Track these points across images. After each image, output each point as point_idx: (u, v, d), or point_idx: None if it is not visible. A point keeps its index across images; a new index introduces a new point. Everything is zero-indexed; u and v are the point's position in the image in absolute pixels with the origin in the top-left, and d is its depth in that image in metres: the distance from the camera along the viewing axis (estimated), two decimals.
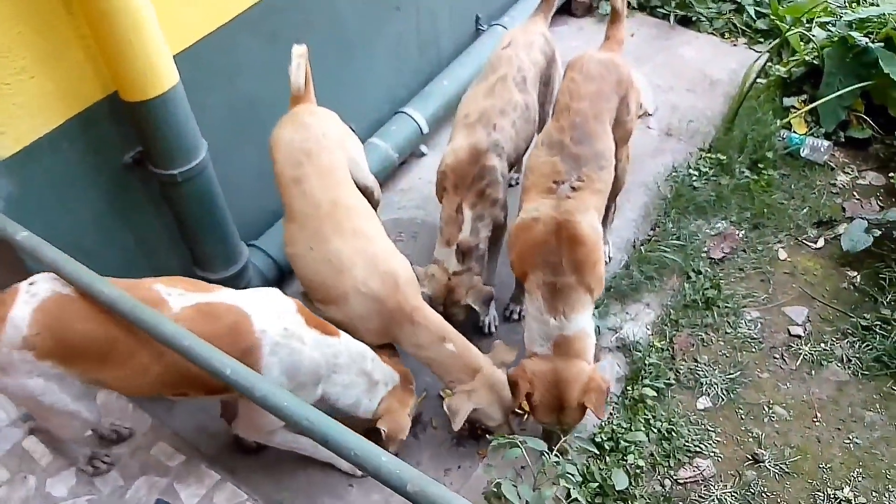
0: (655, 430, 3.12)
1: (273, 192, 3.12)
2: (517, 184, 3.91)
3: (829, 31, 4.68)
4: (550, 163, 2.92)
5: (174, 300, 2.32)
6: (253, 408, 2.52)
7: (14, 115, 2.35)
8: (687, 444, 3.10)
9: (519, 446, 2.64)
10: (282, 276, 3.50)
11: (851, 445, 3.12)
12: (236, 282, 3.18)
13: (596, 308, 3.48)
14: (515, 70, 3.35)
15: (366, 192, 3.08)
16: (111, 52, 2.40)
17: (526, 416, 3.13)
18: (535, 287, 2.79)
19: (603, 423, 3.13)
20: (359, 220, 2.84)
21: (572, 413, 2.74)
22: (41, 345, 2.20)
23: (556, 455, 2.61)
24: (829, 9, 4.82)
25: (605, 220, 3.74)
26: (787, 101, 4.67)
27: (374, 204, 3.18)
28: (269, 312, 2.45)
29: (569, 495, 2.59)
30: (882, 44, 4.28)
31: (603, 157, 2.96)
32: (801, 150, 4.35)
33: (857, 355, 3.41)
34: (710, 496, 2.97)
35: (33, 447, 2.90)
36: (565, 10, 5.50)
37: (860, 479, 3.01)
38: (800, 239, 3.96)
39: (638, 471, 2.99)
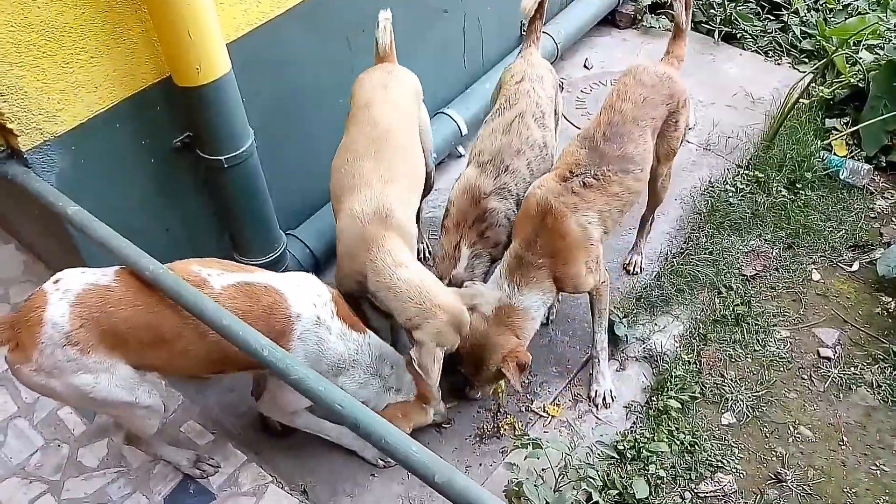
0: (678, 442, 3.10)
1: (313, 184, 3.18)
2: None
3: (876, 54, 4.63)
4: (576, 153, 2.98)
5: (214, 280, 2.36)
6: (280, 387, 2.55)
7: (72, 93, 2.44)
8: (709, 458, 3.08)
9: (541, 447, 2.67)
10: (317, 266, 3.55)
11: (878, 472, 3.07)
12: (273, 268, 3.19)
13: (625, 317, 3.49)
14: (534, 105, 3.24)
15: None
16: (168, 36, 2.47)
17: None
18: (508, 253, 2.93)
19: (625, 431, 3.14)
20: (398, 158, 2.85)
21: (488, 374, 2.92)
22: (86, 338, 2.19)
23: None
24: (877, 32, 4.77)
25: (642, 232, 3.76)
26: (829, 123, 4.62)
27: (428, 187, 3.22)
28: (306, 298, 2.48)
29: (590, 498, 2.61)
30: None
31: (631, 161, 2.97)
32: (841, 173, 4.30)
33: (888, 381, 3.36)
34: None
35: (67, 416, 2.98)
36: (609, 22, 5.53)
37: None
38: (834, 261, 3.92)
39: (658, 481, 2.98)
